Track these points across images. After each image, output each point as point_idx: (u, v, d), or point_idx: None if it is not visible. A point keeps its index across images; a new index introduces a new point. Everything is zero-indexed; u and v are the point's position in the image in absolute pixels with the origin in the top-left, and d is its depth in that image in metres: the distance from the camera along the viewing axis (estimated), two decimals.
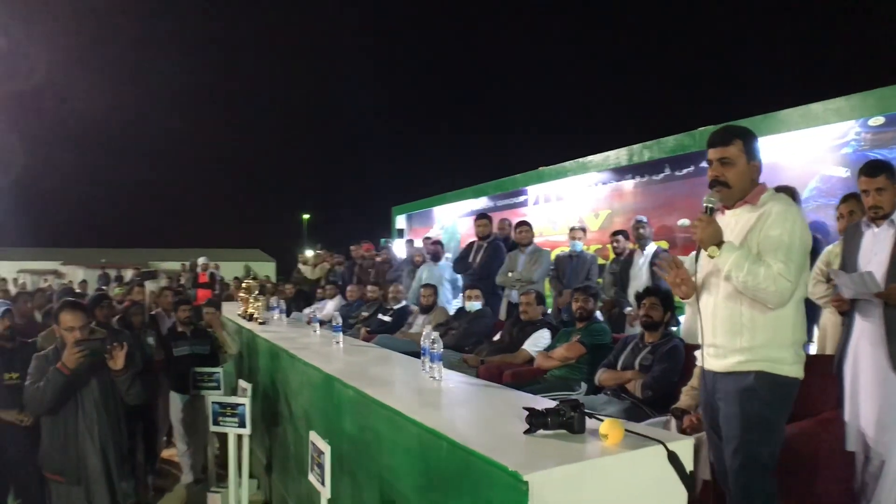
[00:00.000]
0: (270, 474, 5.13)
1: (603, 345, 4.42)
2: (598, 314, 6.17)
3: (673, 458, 1.94)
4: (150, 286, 9.78)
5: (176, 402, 5.65)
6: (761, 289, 2.37)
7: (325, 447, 2.90)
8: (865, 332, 3.11)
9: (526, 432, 2.07)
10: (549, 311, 6.35)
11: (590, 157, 7.67)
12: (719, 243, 2.47)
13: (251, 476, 5.58)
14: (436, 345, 3.19)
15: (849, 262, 3.24)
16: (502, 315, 6.34)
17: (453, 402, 2.76)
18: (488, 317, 5.88)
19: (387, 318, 7.35)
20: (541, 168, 8.63)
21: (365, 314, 7.98)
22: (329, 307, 9.11)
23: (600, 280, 6.34)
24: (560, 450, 1.93)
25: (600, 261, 6.69)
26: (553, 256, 6.74)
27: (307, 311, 6.69)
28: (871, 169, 3.16)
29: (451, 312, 6.61)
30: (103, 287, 10.98)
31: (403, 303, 7.45)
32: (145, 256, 27.67)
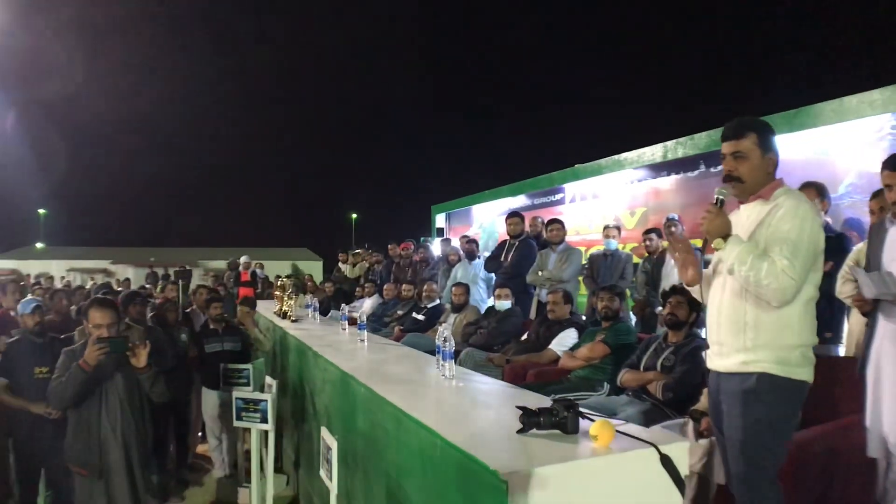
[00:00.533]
0: (298, 470, 5.20)
1: (628, 345, 4.34)
2: (631, 314, 6.11)
3: (666, 461, 1.89)
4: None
5: (208, 397, 5.76)
6: (763, 285, 2.28)
7: (333, 442, 2.92)
8: (888, 333, 2.96)
9: (519, 432, 2.05)
10: (584, 310, 6.29)
11: (624, 155, 7.54)
12: (726, 236, 2.40)
13: (282, 472, 5.70)
14: (448, 343, 3.18)
15: (873, 260, 3.09)
16: (532, 314, 6.29)
17: (457, 401, 2.74)
18: (517, 316, 5.83)
19: (420, 317, 7.36)
20: (576, 166, 8.53)
21: (400, 312, 8.01)
22: (367, 305, 9.19)
23: (636, 279, 6.23)
24: (547, 450, 1.90)
25: (636, 260, 6.57)
26: (588, 255, 6.66)
27: (345, 309, 6.74)
28: (895, 162, 2.99)
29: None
30: (146, 286, 11.28)
31: (437, 301, 7.45)
32: (194, 255, 28.30)
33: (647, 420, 3.50)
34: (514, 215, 7.03)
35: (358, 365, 3.63)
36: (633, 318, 6.06)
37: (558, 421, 2.04)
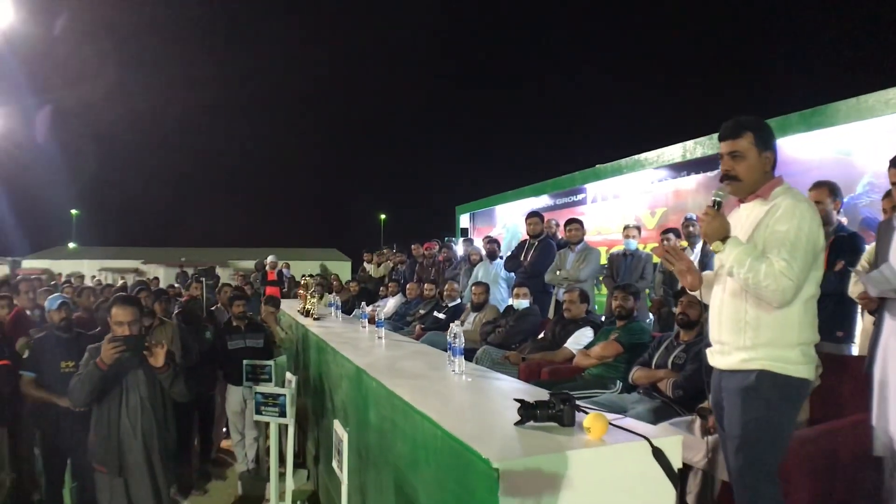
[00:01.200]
0: (318, 465, 5.31)
1: (641, 344, 4.36)
2: (650, 314, 6.12)
3: (658, 454, 1.94)
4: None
5: (232, 393, 5.91)
6: (762, 286, 2.30)
7: (344, 434, 3.01)
8: (894, 331, 2.95)
9: (517, 424, 2.11)
10: (603, 310, 6.31)
11: (644, 155, 7.53)
12: (725, 238, 2.42)
13: (304, 467, 5.82)
14: (458, 340, 3.25)
15: (880, 259, 3.06)
16: (551, 313, 6.34)
17: (463, 395, 2.81)
18: (535, 315, 5.88)
19: (441, 316, 7.44)
20: (597, 166, 8.53)
21: (422, 311, 8.09)
22: (390, 304, 9.31)
23: (654, 279, 6.23)
24: (541, 441, 1.96)
25: (656, 259, 6.57)
26: (608, 255, 6.67)
27: (364, 307, 6.85)
28: None
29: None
30: (174, 285, 11.53)
31: (458, 301, 7.52)
32: (224, 255, 28.75)
33: (657, 417, 3.54)
34: (534, 215, 7.07)
35: (372, 361, 3.72)
36: (651, 318, 6.06)
37: (554, 414, 2.10)
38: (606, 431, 1.96)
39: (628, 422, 2.12)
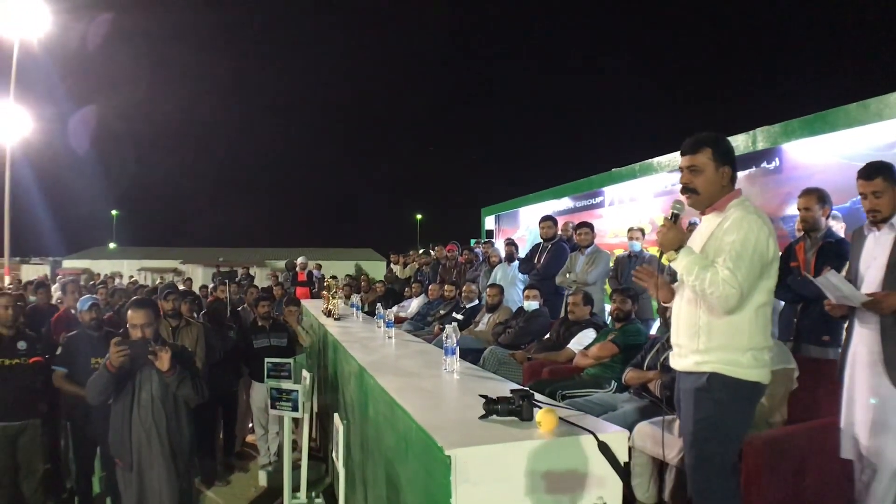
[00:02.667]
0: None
1: (636, 345, 4.51)
2: (657, 315, 6.23)
3: (603, 448, 2.12)
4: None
5: (256, 390, 6.21)
6: (707, 293, 2.46)
7: (340, 426, 3.25)
8: (863, 337, 3.04)
9: (481, 417, 2.32)
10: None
11: (657, 158, 7.62)
12: (680, 249, 2.58)
13: (322, 460, 6.09)
14: (449, 340, 3.47)
15: (852, 267, 3.19)
16: (562, 315, 6.49)
17: (445, 392, 3.03)
18: (544, 316, 6.05)
19: (459, 317, 7.64)
20: (613, 169, 8.65)
21: (442, 312, 8.31)
22: (414, 305, 9.56)
23: None
24: (495, 432, 2.17)
25: (665, 261, 6.66)
26: (614, 258, 6.81)
27: (379, 308, 7.10)
28: (868, 171, 3.07)
29: None
30: (206, 284, 11.97)
31: (476, 302, 7.72)
32: (262, 255, 29.36)
33: (644, 416, 3.70)
34: (547, 219, 7.25)
35: (375, 359, 3.95)
36: (659, 320, 6.18)
37: (515, 409, 2.30)
38: (557, 425, 2.16)
39: (579, 417, 2.30)
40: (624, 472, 2.16)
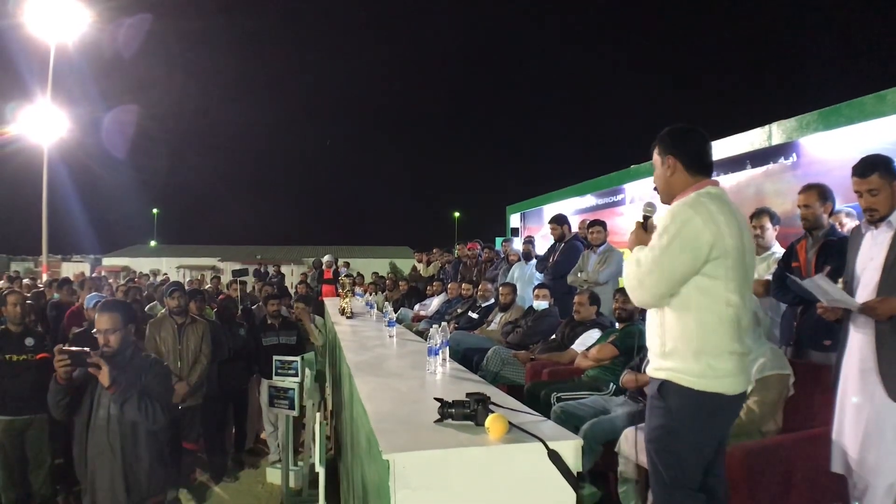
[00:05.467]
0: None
1: (638, 346, 4.38)
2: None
3: (554, 457, 2.03)
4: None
5: (265, 387, 6.24)
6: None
7: (318, 425, 3.22)
8: (857, 343, 2.88)
9: (436, 422, 2.26)
10: None
11: None
12: None
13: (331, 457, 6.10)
14: (432, 340, 3.41)
15: (849, 267, 3.01)
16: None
17: (416, 394, 2.96)
18: (553, 316, 5.95)
19: (474, 315, 7.60)
20: (632, 166, 8.47)
21: (459, 310, 8.27)
22: (434, 303, 9.53)
23: None
24: (443, 437, 2.11)
25: None
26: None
27: (388, 307, 7.08)
28: (863, 168, 2.88)
29: None
30: (235, 281, 12.13)
31: (491, 301, 7.65)
32: (298, 253, 29.71)
33: (636, 421, 3.58)
34: (553, 221, 7.17)
35: (364, 359, 3.91)
36: None
37: (469, 413, 2.23)
38: (507, 432, 2.08)
39: (532, 424, 2.22)
40: (576, 481, 2.07)
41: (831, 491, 2.96)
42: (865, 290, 2.83)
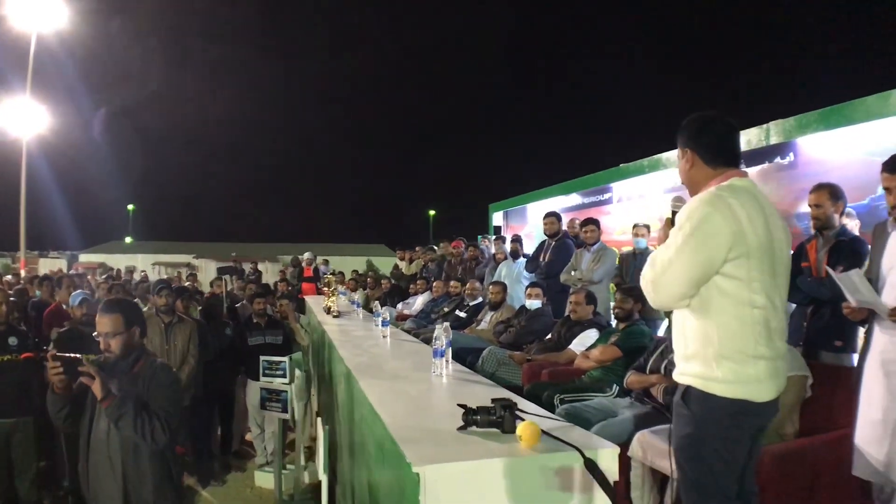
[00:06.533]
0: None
1: (640, 347, 4.30)
2: (664, 315, 6.03)
3: (590, 466, 1.93)
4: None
5: (252, 388, 6.06)
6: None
7: (321, 430, 3.08)
8: (883, 345, 2.80)
9: (459, 429, 2.15)
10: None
11: (664, 154, 7.40)
12: None
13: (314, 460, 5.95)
14: (438, 341, 3.30)
15: (873, 266, 2.92)
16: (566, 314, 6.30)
17: (426, 398, 2.87)
18: (546, 315, 5.87)
19: (462, 314, 7.48)
20: (621, 165, 8.43)
21: (446, 309, 8.15)
22: (418, 302, 9.40)
23: None
24: (472, 447, 1.99)
25: None
26: (619, 255, 6.60)
27: (376, 305, 6.95)
28: (893, 164, 2.82)
29: None
30: (220, 279, 11.90)
31: (479, 299, 7.55)
32: (274, 251, 29.30)
33: (645, 423, 3.50)
34: (550, 215, 7.06)
35: (363, 360, 3.79)
36: (666, 321, 5.98)
37: (495, 420, 2.12)
38: (539, 440, 1.97)
39: (565, 431, 2.12)
40: (613, 492, 1.96)
41: (856, 494, 2.90)
42: (891, 291, 2.76)
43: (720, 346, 2.18)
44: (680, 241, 2.17)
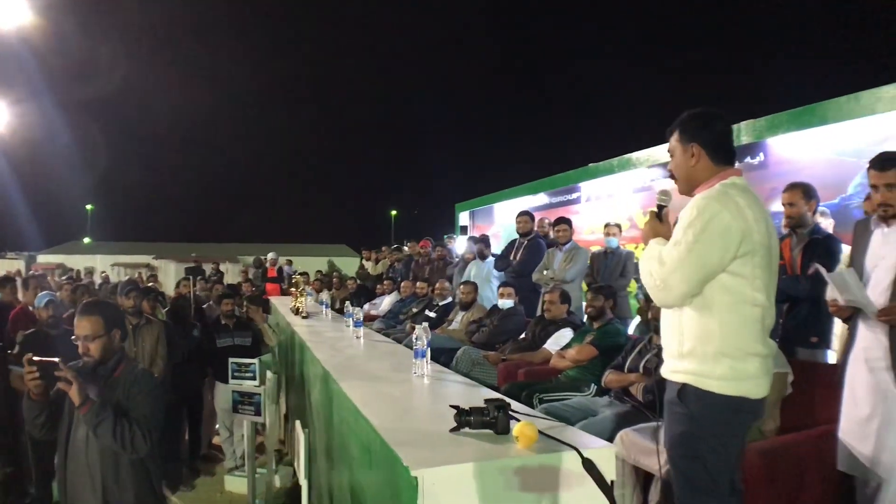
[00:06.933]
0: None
1: (616, 346, 4.32)
2: (636, 314, 6.07)
3: (588, 466, 1.89)
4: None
5: (220, 391, 5.92)
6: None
7: (301, 433, 3.00)
8: (868, 342, 2.81)
9: (452, 430, 2.09)
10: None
11: (634, 154, 7.47)
12: None
13: (287, 463, 5.83)
14: (419, 341, 3.24)
15: (856, 264, 2.92)
16: (539, 313, 6.30)
17: (413, 399, 2.81)
18: (519, 315, 5.85)
19: (432, 315, 7.42)
20: (590, 165, 8.49)
21: (414, 310, 8.09)
22: (386, 302, 9.33)
23: (637, 278, 6.18)
24: (468, 449, 1.94)
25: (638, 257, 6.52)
26: (591, 254, 6.63)
27: (348, 307, 6.86)
28: (882, 162, 2.82)
29: None
30: (188, 279, 11.64)
31: (449, 299, 7.51)
32: (234, 251, 28.82)
33: (626, 422, 3.50)
34: (524, 214, 7.06)
35: (340, 362, 3.71)
36: (638, 319, 6.02)
37: (489, 421, 2.07)
38: (536, 440, 1.94)
39: (560, 431, 2.09)
40: (611, 491, 1.93)
41: (840, 489, 2.93)
42: (876, 289, 2.78)
43: (721, 344, 2.19)
44: (691, 239, 2.16)
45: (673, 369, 2.32)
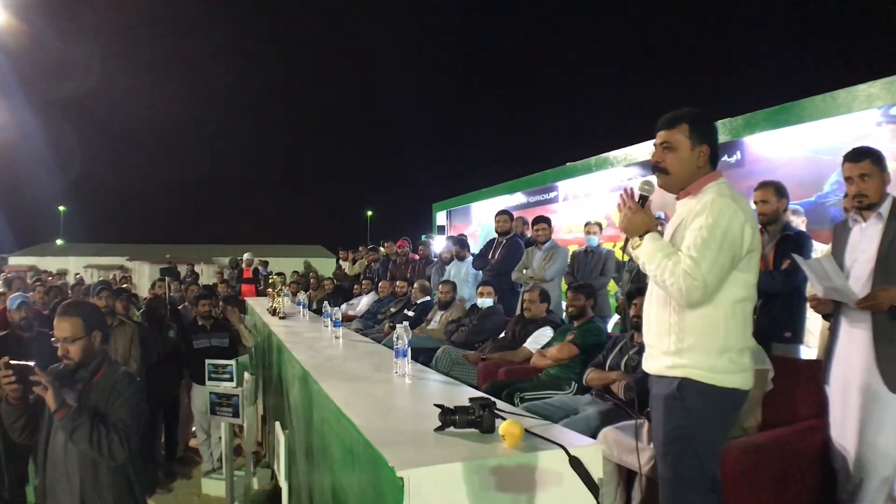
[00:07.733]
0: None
1: (597, 344, 4.32)
2: (615, 313, 6.10)
3: (575, 464, 1.88)
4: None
5: (197, 393, 5.85)
6: (667, 284, 2.22)
7: (282, 435, 2.95)
8: (852, 337, 2.84)
9: (436, 430, 2.07)
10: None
11: (612, 153, 7.50)
12: (645, 234, 2.35)
13: (265, 465, 5.77)
14: (400, 340, 3.21)
15: (836, 260, 3.00)
16: (518, 312, 6.30)
17: (395, 399, 2.77)
18: (498, 314, 5.85)
19: (410, 314, 7.40)
20: (567, 164, 8.51)
21: (393, 310, 8.06)
22: (363, 302, 9.28)
23: (623, 278, 6.20)
24: (454, 448, 1.91)
25: (625, 258, 6.53)
26: (570, 253, 6.65)
27: (326, 306, 6.80)
28: (856, 154, 2.88)
29: None
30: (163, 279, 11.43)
31: (427, 299, 7.50)
32: (209, 252, 28.58)
33: (608, 420, 3.51)
34: (503, 213, 7.06)
35: (320, 362, 3.66)
36: (616, 317, 6.05)
37: (474, 420, 2.05)
38: (522, 439, 1.92)
39: (546, 429, 2.07)
40: (598, 489, 1.93)
41: (822, 486, 2.95)
42: (857, 283, 2.81)
43: (725, 338, 2.25)
44: (719, 239, 2.20)
45: (669, 365, 2.33)
